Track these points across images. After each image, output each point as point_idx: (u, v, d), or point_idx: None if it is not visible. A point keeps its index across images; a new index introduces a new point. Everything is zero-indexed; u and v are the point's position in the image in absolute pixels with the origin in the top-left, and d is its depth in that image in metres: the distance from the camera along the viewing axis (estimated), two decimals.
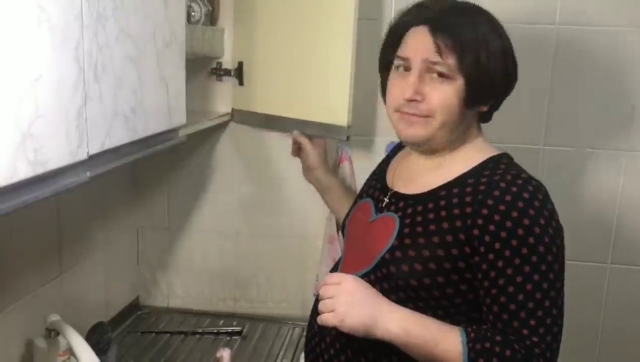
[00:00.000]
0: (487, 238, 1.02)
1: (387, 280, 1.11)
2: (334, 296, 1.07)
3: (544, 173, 1.68)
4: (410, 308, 1.09)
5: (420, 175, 1.18)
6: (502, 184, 1.05)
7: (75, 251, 1.62)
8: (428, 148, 1.16)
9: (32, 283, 1.44)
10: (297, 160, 1.86)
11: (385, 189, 1.23)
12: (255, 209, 1.91)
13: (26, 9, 0.77)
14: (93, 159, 0.95)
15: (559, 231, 1.06)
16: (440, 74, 1.08)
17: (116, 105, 1.01)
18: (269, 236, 1.92)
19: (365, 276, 1.14)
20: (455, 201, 1.08)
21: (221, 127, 1.85)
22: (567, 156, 1.74)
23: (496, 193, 1.04)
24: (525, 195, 1.03)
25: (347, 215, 1.33)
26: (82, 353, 1.27)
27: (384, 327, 1.05)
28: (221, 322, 1.90)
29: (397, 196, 1.18)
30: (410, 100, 1.09)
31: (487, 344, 1.01)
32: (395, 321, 1.05)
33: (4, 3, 0.72)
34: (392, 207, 1.17)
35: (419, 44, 1.10)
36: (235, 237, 1.95)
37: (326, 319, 1.07)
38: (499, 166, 1.10)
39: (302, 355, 1.71)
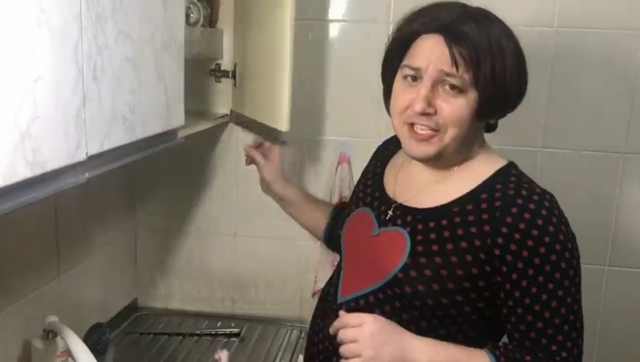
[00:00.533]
0: (509, 257, 1.01)
1: (399, 299, 1.08)
2: (357, 339, 1.03)
3: (542, 175, 1.68)
4: (423, 326, 1.07)
5: (426, 188, 1.13)
6: (519, 201, 1.03)
7: (74, 252, 1.62)
8: (436, 162, 1.12)
9: (30, 284, 1.43)
10: (297, 162, 1.86)
11: (386, 199, 1.18)
12: (253, 210, 1.91)
13: (26, 10, 0.77)
14: (91, 159, 0.95)
15: (574, 241, 1.05)
16: (453, 87, 1.03)
17: (115, 107, 1.01)
18: (268, 238, 1.92)
19: (373, 294, 1.11)
20: (471, 218, 1.05)
21: (220, 128, 1.85)
22: (565, 158, 1.74)
23: (514, 210, 1.02)
24: (544, 212, 1.02)
25: (342, 224, 1.27)
26: (80, 354, 1.26)
27: (414, 360, 1.03)
28: (219, 323, 1.90)
29: (403, 209, 1.13)
30: (421, 114, 1.04)
31: None
32: (423, 355, 1.03)
33: (4, 4, 0.72)
34: (399, 221, 1.12)
35: (432, 53, 1.03)
36: (233, 238, 1.95)
37: None
38: (510, 179, 1.08)
39: (301, 358, 1.72)
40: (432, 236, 1.07)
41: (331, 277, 1.26)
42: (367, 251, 1.16)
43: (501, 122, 1.84)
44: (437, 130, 1.05)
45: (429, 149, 1.07)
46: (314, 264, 1.83)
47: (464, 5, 1.08)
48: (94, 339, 1.48)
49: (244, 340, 1.81)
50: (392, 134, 1.35)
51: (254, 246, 1.93)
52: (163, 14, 1.19)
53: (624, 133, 1.71)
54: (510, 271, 1.01)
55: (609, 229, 1.76)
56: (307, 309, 1.90)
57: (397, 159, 1.25)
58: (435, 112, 1.04)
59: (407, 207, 1.13)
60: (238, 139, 1.88)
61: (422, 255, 1.07)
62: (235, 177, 1.91)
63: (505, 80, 1.04)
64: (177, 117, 1.31)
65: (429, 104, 1.03)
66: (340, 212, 1.39)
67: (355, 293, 1.14)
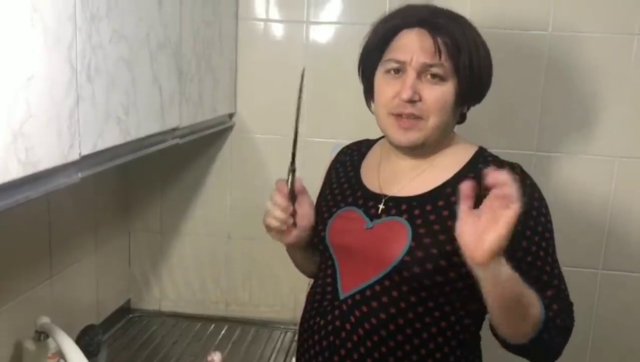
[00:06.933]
0: None
1: (407, 283, 1.11)
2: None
3: (536, 179, 1.68)
4: (430, 306, 1.11)
5: (412, 177, 1.18)
6: None
7: (66, 253, 1.61)
8: (419, 151, 1.18)
9: (22, 285, 1.42)
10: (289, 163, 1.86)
11: (372, 195, 1.21)
12: (247, 212, 1.91)
13: (20, 9, 0.76)
14: (85, 160, 0.95)
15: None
16: (435, 75, 1.11)
17: (109, 107, 1.01)
18: (262, 240, 1.91)
19: (378, 283, 1.12)
20: None
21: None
22: (559, 162, 1.75)
23: None
24: (527, 181, 1.13)
25: (323, 227, 1.23)
26: (71, 356, 1.26)
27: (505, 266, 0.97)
28: (212, 326, 1.90)
29: (395, 200, 1.17)
30: (408, 101, 1.11)
31: (552, 302, 1.09)
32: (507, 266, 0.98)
33: None
34: (393, 211, 1.16)
35: (414, 45, 1.11)
36: (227, 240, 1.94)
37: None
38: (488, 159, 1.18)
39: (294, 360, 1.72)
40: (432, 217, 1.12)
41: (323, 278, 1.24)
42: (361, 244, 1.17)
43: (495, 126, 1.85)
44: (420, 117, 1.12)
45: (414, 137, 1.14)
46: None
47: (435, 6, 1.18)
48: (86, 340, 1.47)
49: (237, 342, 1.81)
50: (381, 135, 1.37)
51: (248, 248, 1.93)
52: (158, 14, 1.19)
53: (618, 137, 1.71)
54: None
55: (603, 233, 1.76)
56: (301, 312, 1.89)
57: (372, 159, 1.29)
58: (420, 99, 1.11)
59: (398, 197, 1.17)
60: (232, 140, 1.88)
61: (425, 236, 1.11)
62: (229, 178, 1.90)
63: (480, 69, 1.14)
64: (171, 118, 1.30)
65: (415, 92, 1.11)
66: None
67: (359, 286, 1.15)
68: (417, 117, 1.12)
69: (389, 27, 1.16)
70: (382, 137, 1.30)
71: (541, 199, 1.14)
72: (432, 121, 1.12)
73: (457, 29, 1.12)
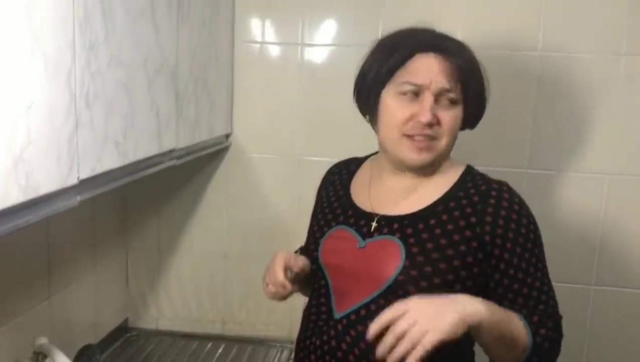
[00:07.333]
0: (498, 241, 1.13)
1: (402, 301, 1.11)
2: (415, 322, 0.98)
3: (528, 196, 1.70)
4: None
5: (404, 196, 1.20)
6: (494, 193, 1.16)
7: (65, 273, 1.62)
8: (427, 170, 1.20)
9: (21, 306, 1.43)
10: (286, 183, 1.88)
11: (363, 214, 1.22)
12: (244, 231, 1.92)
13: (20, 38, 0.79)
14: (83, 183, 0.97)
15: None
16: (450, 99, 1.15)
17: (107, 131, 1.03)
18: (258, 259, 1.92)
19: (374, 301, 1.13)
20: (456, 213, 1.15)
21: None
22: (550, 179, 1.77)
23: (492, 201, 1.15)
24: (516, 199, 1.17)
25: (316, 247, 1.26)
26: None
27: (475, 310, 1.01)
28: (210, 344, 1.90)
29: (387, 219, 1.18)
30: (428, 125, 1.13)
31: (540, 326, 1.12)
32: (479, 304, 1.02)
33: None
34: (385, 230, 1.17)
35: (433, 70, 1.13)
36: (224, 259, 1.95)
37: (427, 342, 0.96)
38: (476, 178, 1.21)
39: None
40: (425, 235, 1.14)
41: (317, 298, 1.26)
42: (355, 263, 1.18)
43: (487, 144, 1.87)
44: (435, 138, 1.16)
45: (428, 157, 1.17)
46: None
47: (434, 30, 1.20)
48: (84, 360, 1.47)
49: (234, 361, 1.81)
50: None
51: (244, 267, 1.94)
52: (155, 39, 1.22)
53: (608, 155, 1.74)
54: (502, 252, 1.13)
55: (595, 249, 1.78)
56: (297, 330, 1.90)
57: (362, 177, 1.30)
58: (438, 122, 1.14)
59: (390, 216, 1.19)
60: (230, 161, 1.90)
61: (419, 254, 1.13)
62: (225, 198, 1.92)
63: (484, 93, 1.20)
64: (168, 140, 1.32)
65: (434, 115, 1.14)
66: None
67: (354, 305, 1.16)
68: (432, 138, 1.15)
69: (403, 49, 1.15)
70: (371, 154, 1.32)
71: (529, 215, 1.16)
72: (444, 142, 1.16)
73: (467, 55, 1.16)
